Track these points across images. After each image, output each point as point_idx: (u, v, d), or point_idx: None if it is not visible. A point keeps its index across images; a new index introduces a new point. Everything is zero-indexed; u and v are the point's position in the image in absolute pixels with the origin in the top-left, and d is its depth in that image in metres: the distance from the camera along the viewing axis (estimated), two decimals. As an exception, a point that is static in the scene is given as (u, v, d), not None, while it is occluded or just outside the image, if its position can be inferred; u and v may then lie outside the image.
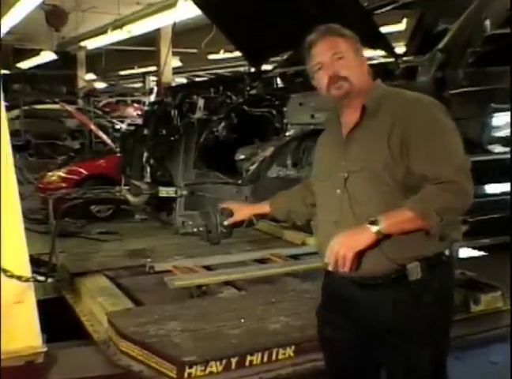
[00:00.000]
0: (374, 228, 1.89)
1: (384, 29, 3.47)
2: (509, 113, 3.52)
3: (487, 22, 3.34)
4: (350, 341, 2.15)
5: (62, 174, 7.92)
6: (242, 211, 2.55)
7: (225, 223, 2.51)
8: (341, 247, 1.90)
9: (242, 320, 3.23)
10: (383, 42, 3.42)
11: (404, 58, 3.52)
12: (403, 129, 1.94)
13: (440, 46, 3.35)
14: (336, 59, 2.03)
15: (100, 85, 22.00)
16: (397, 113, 1.98)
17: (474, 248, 4.30)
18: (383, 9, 4.74)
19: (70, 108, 11.10)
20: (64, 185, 7.58)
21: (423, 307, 2.00)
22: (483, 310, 3.48)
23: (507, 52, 3.29)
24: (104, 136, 9.87)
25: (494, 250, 4.27)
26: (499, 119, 3.56)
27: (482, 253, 4.42)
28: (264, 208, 2.51)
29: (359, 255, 1.93)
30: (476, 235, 3.62)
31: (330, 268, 1.93)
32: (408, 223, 1.90)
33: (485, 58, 3.35)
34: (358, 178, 2.01)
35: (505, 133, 3.59)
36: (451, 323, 2.14)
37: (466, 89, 3.30)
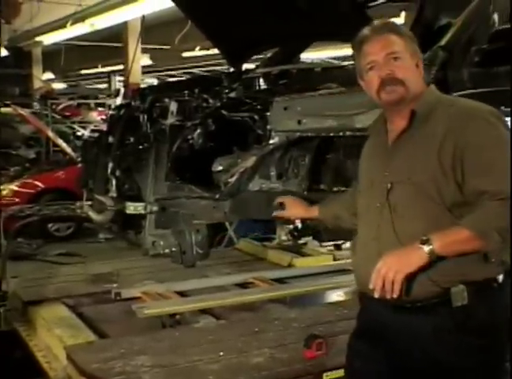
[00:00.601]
0: (427, 248, 1.88)
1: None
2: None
3: (495, 16, 3.39)
4: (380, 374, 2.14)
5: (14, 187, 7.88)
6: (295, 208, 2.63)
7: (274, 213, 2.65)
8: (390, 270, 1.89)
9: (221, 354, 3.23)
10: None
11: (402, 57, 3.54)
12: (457, 140, 1.95)
13: (442, 43, 3.39)
14: (391, 59, 2.05)
15: (59, 86, 21.95)
16: (451, 122, 2.00)
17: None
18: (378, 2, 4.79)
19: (24, 112, 11.03)
20: (17, 200, 7.55)
21: (467, 338, 1.98)
22: None
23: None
24: (64, 145, 9.83)
25: None
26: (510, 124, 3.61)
27: None
28: (314, 211, 2.60)
29: (408, 278, 1.92)
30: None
31: (376, 295, 1.92)
32: (464, 244, 1.90)
33: (492, 57, 3.39)
34: (402, 190, 2.03)
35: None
36: (503, 362, 2.12)
37: (472, 91, 3.34)
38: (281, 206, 2.63)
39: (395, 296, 1.89)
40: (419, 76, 2.11)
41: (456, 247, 1.91)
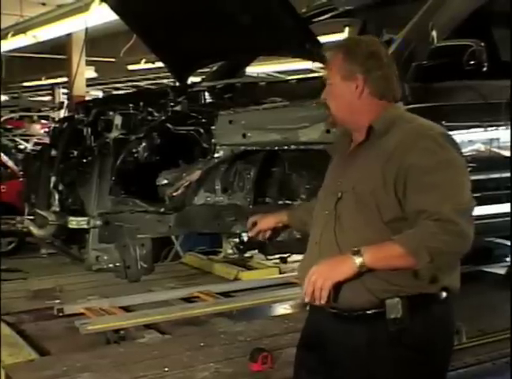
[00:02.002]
0: (357, 260, 1.91)
1: (323, 39, 3.56)
2: (462, 132, 3.67)
3: (434, 33, 3.48)
4: None
5: (-47, 202, 7.68)
6: (266, 221, 2.62)
7: (247, 235, 2.77)
8: (319, 277, 1.93)
9: (166, 369, 3.21)
10: (322, 53, 3.51)
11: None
12: (404, 158, 1.99)
13: (383, 58, 3.46)
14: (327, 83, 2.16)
15: (0, 98, 21.49)
16: (400, 140, 2.03)
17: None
18: (322, 17, 4.87)
19: (-36, 125, 10.80)
20: (-45, 215, 7.35)
21: (401, 352, 2.00)
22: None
23: (456, 66, 3.43)
24: (5, 158, 9.64)
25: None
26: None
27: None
28: (283, 217, 2.60)
29: (338, 286, 1.96)
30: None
31: (306, 300, 1.98)
32: (395, 260, 1.93)
33: (432, 73, 3.47)
34: (347, 199, 2.07)
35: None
36: (440, 377, 2.14)
37: (412, 106, 3.41)
38: (254, 224, 2.64)
39: (322, 302, 1.93)
40: (349, 101, 2.12)
41: (386, 262, 1.94)
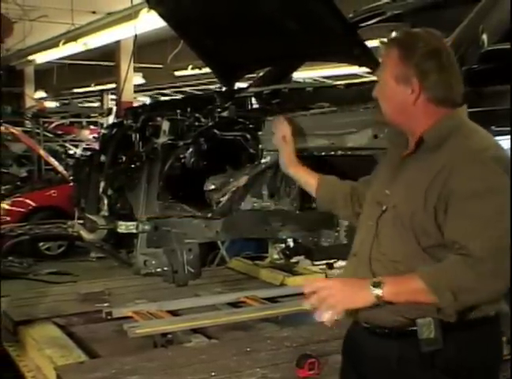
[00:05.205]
0: (375, 292, 1.80)
1: (371, 43, 3.53)
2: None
3: (484, 37, 3.43)
4: None
5: (6, 206, 7.87)
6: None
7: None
8: (330, 296, 1.84)
9: (213, 374, 3.21)
10: (369, 58, 3.49)
11: (394, 76, 3.57)
12: (446, 182, 1.83)
13: (432, 63, 3.42)
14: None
15: (51, 104, 21.97)
16: (449, 159, 1.86)
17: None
18: (369, 22, 4.84)
19: (16, 131, 11.04)
20: (8, 218, 7.54)
21: (432, 375, 1.88)
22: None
23: (507, 70, 3.37)
24: (55, 163, 9.85)
25: None
26: (502, 143, 3.64)
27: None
28: (309, 176, 2.62)
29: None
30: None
31: (306, 307, 1.89)
32: (416, 295, 1.80)
33: (483, 77, 3.42)
34: (389, 215, 1.95)
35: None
36: None
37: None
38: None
39: (324, 321, 1.86)
40: (403, 106, 1.95)
41: (407, 297, 1.82)
